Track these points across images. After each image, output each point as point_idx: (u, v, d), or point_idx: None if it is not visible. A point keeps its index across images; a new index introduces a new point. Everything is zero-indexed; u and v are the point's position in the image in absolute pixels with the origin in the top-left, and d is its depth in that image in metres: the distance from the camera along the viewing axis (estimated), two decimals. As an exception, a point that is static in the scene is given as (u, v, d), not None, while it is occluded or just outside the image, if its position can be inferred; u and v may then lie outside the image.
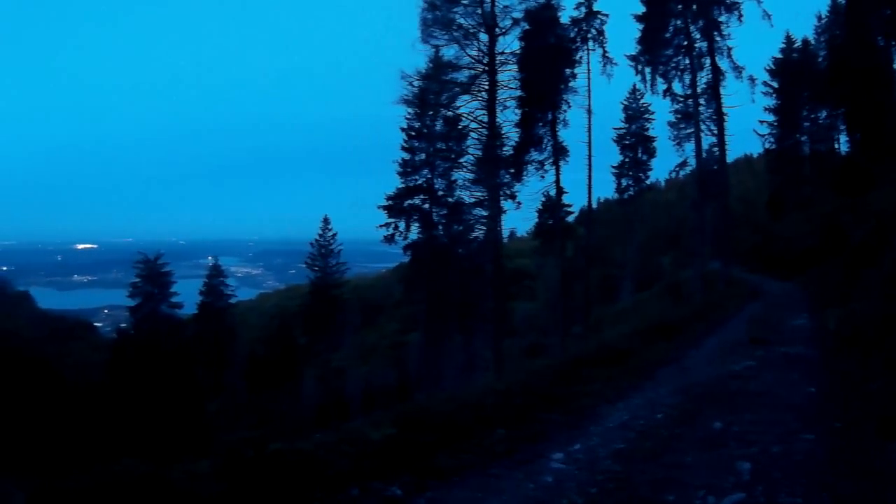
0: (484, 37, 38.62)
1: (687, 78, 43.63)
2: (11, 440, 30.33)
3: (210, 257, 64.36)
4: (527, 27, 39.01)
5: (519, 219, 43.28)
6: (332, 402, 43.96)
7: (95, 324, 78.83)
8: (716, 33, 42.42)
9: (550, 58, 39.63)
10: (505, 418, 10.53)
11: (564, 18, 42.64)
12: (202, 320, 53.68)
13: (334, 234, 56.06)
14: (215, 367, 51.02)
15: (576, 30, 44.55)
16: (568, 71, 42.03)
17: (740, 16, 42.01)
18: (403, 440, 8.91)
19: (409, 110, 42.33)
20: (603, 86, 46.12)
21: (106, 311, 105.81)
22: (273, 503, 7.02)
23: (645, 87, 46.57)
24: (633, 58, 44.63)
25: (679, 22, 43.29)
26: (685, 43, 43.26)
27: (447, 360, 40.69)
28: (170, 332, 47.40)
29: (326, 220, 56.10)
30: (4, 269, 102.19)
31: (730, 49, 42.42)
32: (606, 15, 45.46)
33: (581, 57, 44.25)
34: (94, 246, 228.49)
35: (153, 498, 6.70)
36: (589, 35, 45.01)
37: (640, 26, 44.09)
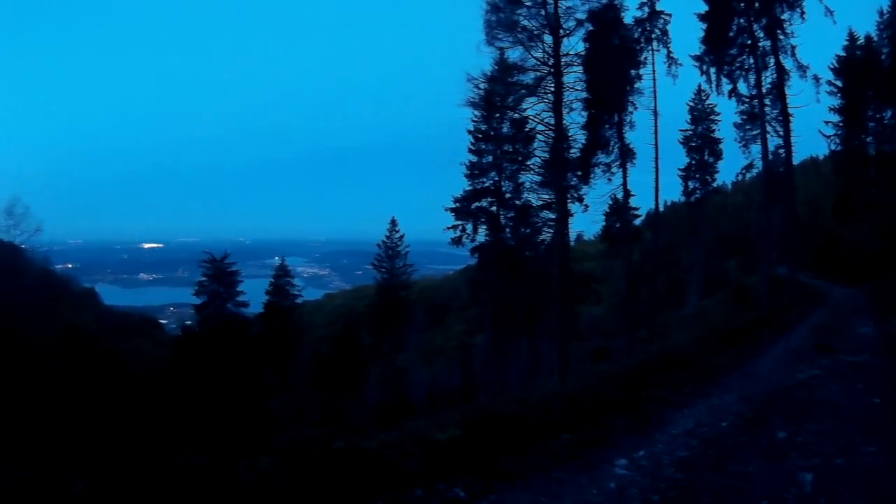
0: (548, 38, 38.23)
1: (752, 78, 42.80)
2: (75, 430, 31.01)
3: (277, 257, 64.78)
4: (591, 28, 38.72)
5: (586, 222, 42.78)
6: (395, 401, 44.17)
7: (161, 321, 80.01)
8: (778, 31, 41.42)
9: (615, 59, 39.23)
10: (570, 422, 10.57)
11: (628, 19, 42.26)
12: (268, 319, 54.06)
13: (402, 236, 56.16)
14: (280, 365, 51.41)
15: (640, 30, 44.03)
16: (633, 72, 41.71)
17: (802, 13, 40.89)
18: (468, 442, 8.99)
19: (476, 113, 42.35)
20: (668, 87, 45.52)
21: (171, 308, 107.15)
22: (335, 501, 7.13)
23: (710, 87, 45.65)
24: (697, 58, 43.99)
25: (742, 20, 42.52)
26: (749, 42, 42.37)
27: (512, 362, 40.61)
28: (235, 330, 47.87)
29: (394, 222, 56.22)
30: (70, 266, 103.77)
31: (793, 47, 41.46)
32: (669, 14, 44.83)
33: (646, 58, 43.74)
34: (161, 245, 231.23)
35: (217, 491, 6.85)
36: (653, 35, 44.42)
37: (704, 25, 43.53)
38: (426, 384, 45.67)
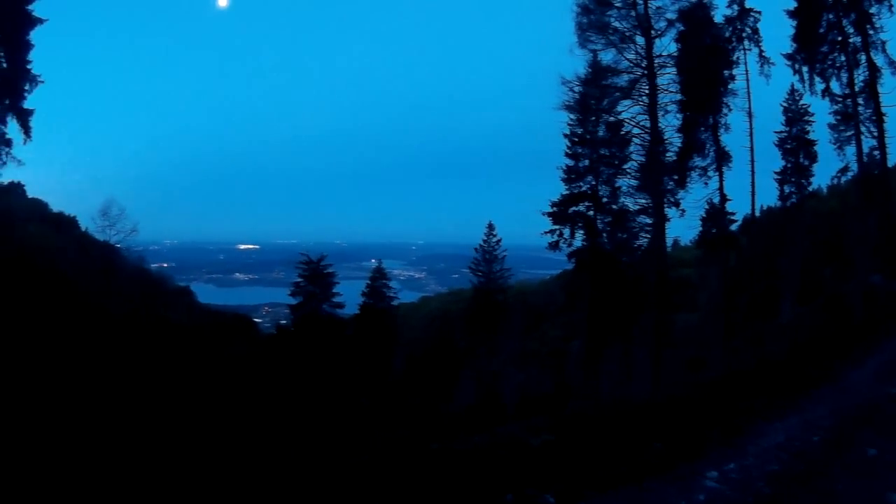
0: (640, 40, 38.00)
1: (844, 76, 41.39)
2: (162, 427, 31.84)
3: (373, 260, 65.12)
4: (682, 28, 38.27)
5: (683, 227, 41.61)
6: (488, 405, 44.28)
7: (255, 319, 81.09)
8: (868, 26, 40.26)
9: (707, 59, 38.56)
10: (663, 432, 10.65)
11: (718, 18, 41.16)
12: (363, 321, 54.41)
13: (499, 240, 55.77)
14: (374, 366, 51.80)
15: (730, 29, 42.78)
16: (726, 72, 40.69)
17: (891, 6, 39.38)
18: (561, 448, 9.14)
19: (572, 116, 41.91)
20: (762, 87, 44.25)
21: (266, 308, 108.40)
22: (428, 501, 7.36)
23: (803, 86, 44.08)
24: (789, 56, 42.57)
25: (831, 16, 41.02)
26: (839, 38, 41.02)
27: (605, 368, 40.37)
28: (330, 330, 48.46)
29: (491, 226, 55.91)
30: (165, 265, 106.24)
31: (884, 43, 39.52)
32: (759, 12, 43.22)
33: (738, 57, 42.35)
34: (257, 246, 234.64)
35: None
36: (744, 34, 43.01)
37: (794, 22, 42.41)
38: (519, 388, 45.68)
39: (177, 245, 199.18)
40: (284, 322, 55.40)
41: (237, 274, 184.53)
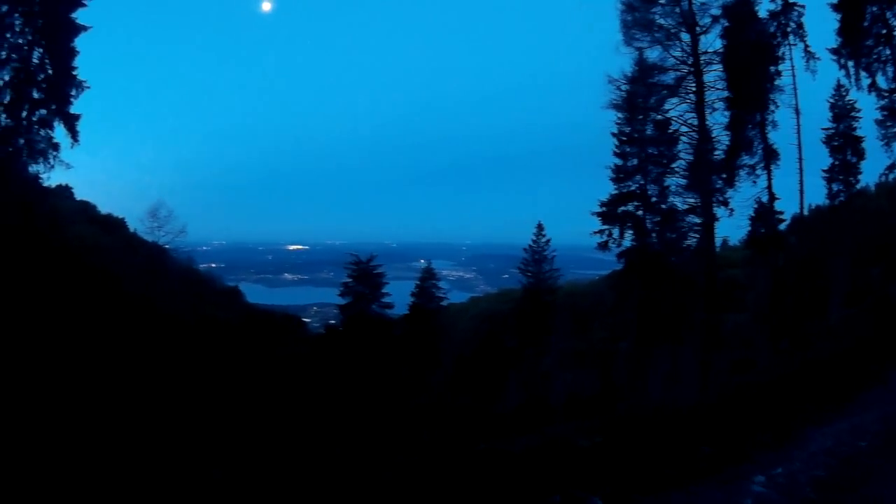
0: (686, 36, 37.73)
1: (890, 70, 40.75)
2: (213, 421, 32.20)
3: (423, 260, 64.94)
4: (726, 24, 37.94)
5: (731, 227, 41.01)
6: (536, 405, 44.19)
7: (304, 319, 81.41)
8: None
9: (753, 55, 38.13)
10: (711, 435, 10.66)
11: (762, 13, 40.63)
12: (412, 321, 54.42)
13: (548, 240, 55.40)
14: (422, 365, 51.83)
15: (775, 24, 41.94)
16: (772, 68, 40.17)
17: None
18: (610, 450, 9.19)
19: (619, 115, 41.58)
20: (808, 83, 43.45)
21: (315, 308, 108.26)
22: (475, 502, 7.45)
23: (849, 82, 43.16)
24: (834, 51, 41.44)
25: (875, 8, 40.41)
26: (884, 31, 40.13)
27: (654, 370, 40.12)
28: (378, 330, 48.65)
29: (540, 226, 55.52)
30: (214, 266, 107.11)
31: None
32: (803, 6, 42.20)
33: (783, 53, 41.86)
34: (306, 247, 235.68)
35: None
36: (788, 29, 42.33)
37: (838, 16, 41.71)
38: (567, 389, 45.53)
39: (226, 246, 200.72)
40: (333, 322, 55.67)
41: (286, 274, 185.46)
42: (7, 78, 36.35)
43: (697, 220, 39.28)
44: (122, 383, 32.19)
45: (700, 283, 38.06)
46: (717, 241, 41.09)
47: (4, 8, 36.11)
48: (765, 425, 11.40)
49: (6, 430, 21.80)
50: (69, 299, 35.27)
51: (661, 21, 37.98)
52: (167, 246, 45.78)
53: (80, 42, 38.18)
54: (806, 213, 45.86)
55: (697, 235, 39.39)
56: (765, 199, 39.73)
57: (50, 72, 37.23)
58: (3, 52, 36.39)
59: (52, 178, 38.77)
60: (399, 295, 52.98)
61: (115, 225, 59.94)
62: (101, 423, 26.93)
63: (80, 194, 61.61)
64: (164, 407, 32.23)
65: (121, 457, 21.68)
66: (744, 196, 38.93)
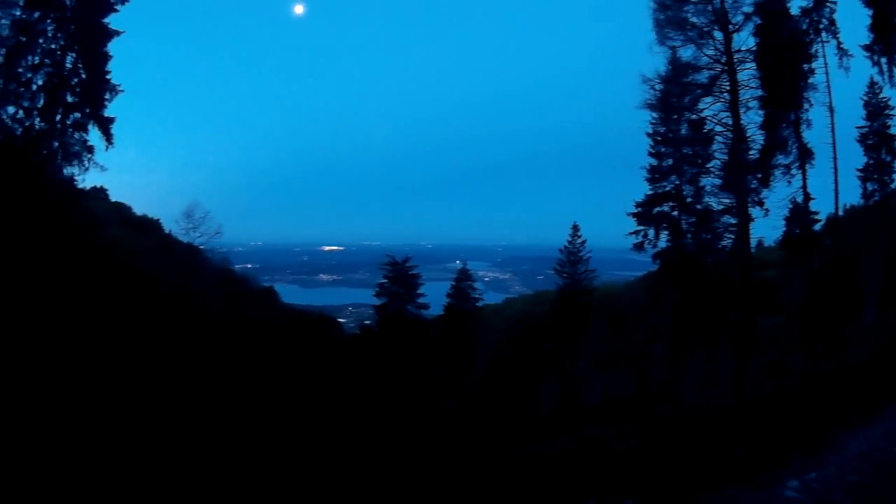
0: (718, 35, 37.45)
1: None
2: (248, 420, 32.54)
3: (458, 261, 64.95)
4: (759, 21, 37.66)
5: (767, 227, 40.55)
6: (571, 407, 44.14)
7: (339, 320, 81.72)
8: None
9: (786, 52, 37.80)
10: (745, 439, 10.68)
11: (794, 10, 40.25)
12: (447, 322, 54.44)
13: (583, 241, 55.15)
14: (457, 367, 51.85)
15: (807, 21, 41.53)
16: (805, 66, 39.76)
17: None
18: (645, 453, 9.24)
19: (654, 115, 41.36)
20: (841, 80, 42.89)
21: (350, 308, 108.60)
22: (511, 502, 7.54)
23: (882, 78, 42.80)
24: (867, 47, 40.70)
25: None
26: None
27: (689, 372, 39.89)
28: (414, 331, 48.80)
29: (576, 227, 55.31)
30: (250, 266, 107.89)
31: None
32: (835, 2, 41.59)
33: (816, 50, 41.42)
34: (341, 248, 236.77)
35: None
36: (820, 25, 41.84)
37: (870, 11, 41.11)
38: (601, 391, 45.42)
39: (261, 247, 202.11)
40: (368, 322, 55.90)
41: (321, 275, 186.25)
42: (41, 82, 37.07)
43: (733, 221, 39.01)
44: (154, 381, 32.63)
45: (735, 285, 37.81)
46: (753, 242, 40.70)
47: (36, 14, 36.77)
48: (799, 429, 11.38)
49: (53, 426, 22.26)
50: (104, 299, 35.75)
51: (694, 19, 37.83)
52: (202, 247, 46.24)
53: (113, 46, 38.86)
54: (841, 213, 45.21)
55: (733, 236, 39.15)
56: (800, 199, 39.32)
57: (83, 76, 37.91)
58: (37, 58, 37.13)
59: (86, 180, 39.42)
60: (434, 296, 53.09)
61: (150, 226, 60.68)
62: (138, 420, 27.32)
63: (115, 196, 62.59)
64: (200, 405, 32.63)
65: (151, 451, 22.00)
66: (779, 196, 38.52)
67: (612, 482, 8.19)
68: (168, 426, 27.91)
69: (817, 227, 42.36)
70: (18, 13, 36.59)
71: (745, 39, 37.73)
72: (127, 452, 21.72)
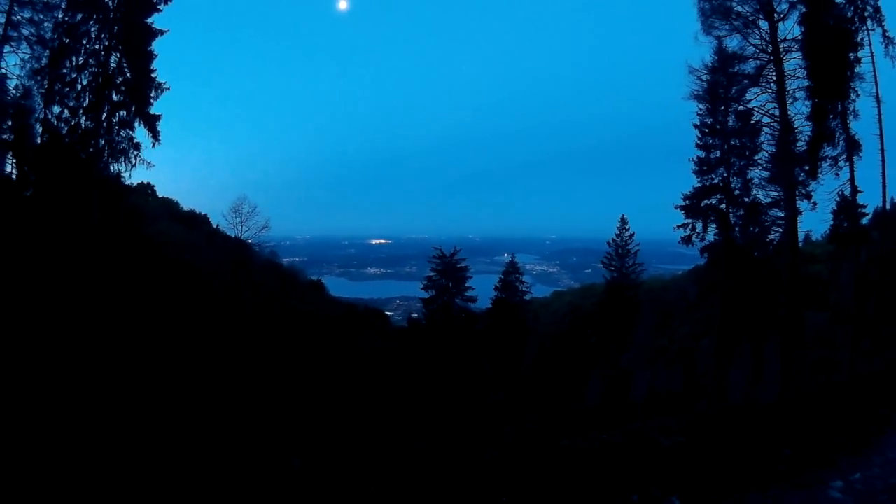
0: (764, 24, 36.90)
1: None
2: (297, 410, 32.86)
3: (506, 254, 65.09)
4: (804, 10, 37.12)
5: (815, 221, 39.87)
6: (617, 402, 44.04)
7: (387, 312, 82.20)
8: None
9: (831, 41, 37.26)
10: (791, 437, 10.64)
11: None
12: (495, 315, 54.51)
13: (632, 234, 54.89)
14: (504, 360, 51.86)
15: (852, 8, 40.82)
16: (851, 55, 39.07)
17: None
18: (691, 450, 9.25)
19: (701, 106, 41.01)
20: (888, 70, 41.98)
21: (398, 301, 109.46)
22: (555, 498, 7.61)
23: None
24: None
25: None
26: None
27: (735, 368, 39.57)
28: (461, 324, 48.95)
29: (624, 220, 55.11)
30: (297, 260, 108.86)
31: None
32: None
33: (861, 39, 40.75)
34: (389, 241, 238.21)
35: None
36: (865, 13, 41.05)
37: None
38: (647, 386, 45.23)
39: (309, 240, 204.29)
40: (416, 315, 56.10)
41: (369, 268, 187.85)
42: (85, 82, 37.92)
43: (780, 214, 38.60)
44: (203, 371, 33.13)
45: (783, 279, 37.43)
46: (800, 236, 40.17)
47: (79, 16, 37.57)
48: (846, 429, 11.31)
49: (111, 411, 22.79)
50: (152, 292, 36.39)
51: (739, 8, 37.40)
52: (250, 241, 46.74)
53: (161, 44, 39.65)
54: (888, 206, 44.36)
55: (780, 230, 38.75)
56: (847, 191, 38.75)
57: (128, 75, 38.65)
58: (81, 58, 37.96)
59: (134, 176, 40.13)
60: (482, 289, 53.25)
61: (198, 221, 61.75)
62: (190, 408, 27.78)
63: (163, 191, 63.76)
64: (251, 395, 33.08)
65: (205, 442, 22.34)
66: (826, 189, 37.98)
67: (657, 478, 8.23)
68: (216, 415, 28.36)
69: (865, 220, 41.66)
70: (60, 16, 37.33)
71: (790, 28, 37.19)
72: (179, 437, 22.15)
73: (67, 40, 37.62)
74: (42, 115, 37.40)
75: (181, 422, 25.69)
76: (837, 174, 37.72)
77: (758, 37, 37.54)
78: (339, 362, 42.96)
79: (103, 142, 38.12)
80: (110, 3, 38.33)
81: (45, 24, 37.19)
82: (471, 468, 9.05)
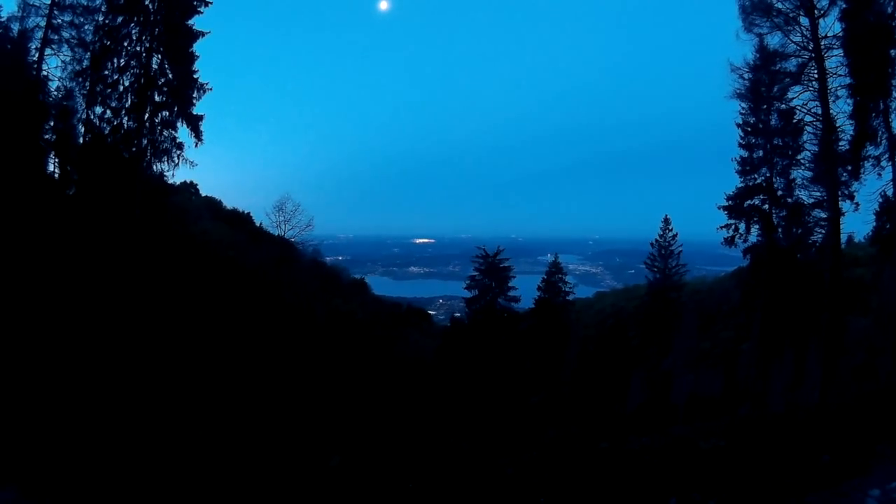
0: (805, 20, 36.54)
1: None
2: (339, 408, 33.11)
3: (550, 254, 65.04)
4: (844, 6, 36.73)
5: (858, 222, 39.30)
6: (658, 405, 43.84)
7: (430, 311, 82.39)
8: None
9: (872, 38, 36.74)
10: (830, 444, 10.65)
11: None
12: (538, 315, 54.38)
13: (675, 235, 54.47)
14: (546, 360, 51.81)
15: (892, 4, 40.23)
16: (893, 52, 38.60)
17: None
18: (730, 454, 9.33)
19: (743, 105, 40.65)
20: None
21: (441, 300, 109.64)
22: (594, 498, 7.76)
23: None
24: None
25: None
26: None
27: (777, 373, 39.23)
28: (504, 324, 49.05)
29: (667, 220, 54.68)
30: (341, 258, 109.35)
31: None
32: None
33: None
34: (432, 240, 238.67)
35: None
36: None
37: None
38: (688, 389, 44.97)
39: (352, 239, 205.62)
40: (459, 315, 56.28)
41: (413, 267, 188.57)
42: (127, 83, 38.91)
43: (823, 215, 38.22)
44: (250, 370, 33.54)
45: (826, 283, 37.07)
46: (843, 238, 39.67)
47: (119, 19, 38.61)
48: (885, 436, 11.28)
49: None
50: (195, 288, 36.91)
51: (779, 5, 37.05)
52: (294, 239, 47.24)
53: (201, 46, 40.46)
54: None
55: (823, 231, 38.39)
56: (890, 192, 38.25)
57: (170, 76, 39.59)
58: (122, 60, 39.00)
59: (177, 175, 40.97)
60: (525, 289, 53.35)
61: (241, 219, 62.63)
62: (233, 404, 28.17)
63: (206, 190, 64.61)
64: (293, 392, 33.42)
65: (248, 437, 22.69)
66: (869, 189, 37.45)
67: (696, 482, 8.32)
68: (257, 411, 28.75)
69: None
70: (101, 18, 38.03)
71: (831, 25, 36.83)
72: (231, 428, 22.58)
73: (108, 42, 38.67)
74: (84, 116, 38.42)
75: (224, 418, 26.09)
76: (880, 174, 37.13)
77: (799, 34, 37.25)
78: (382, 361, 43.26)
79: (146, 142, 38.97)
80: (150, 6, 39.17)
81: (86, 27, 38.13)
82: (510, 469, 9.20)
